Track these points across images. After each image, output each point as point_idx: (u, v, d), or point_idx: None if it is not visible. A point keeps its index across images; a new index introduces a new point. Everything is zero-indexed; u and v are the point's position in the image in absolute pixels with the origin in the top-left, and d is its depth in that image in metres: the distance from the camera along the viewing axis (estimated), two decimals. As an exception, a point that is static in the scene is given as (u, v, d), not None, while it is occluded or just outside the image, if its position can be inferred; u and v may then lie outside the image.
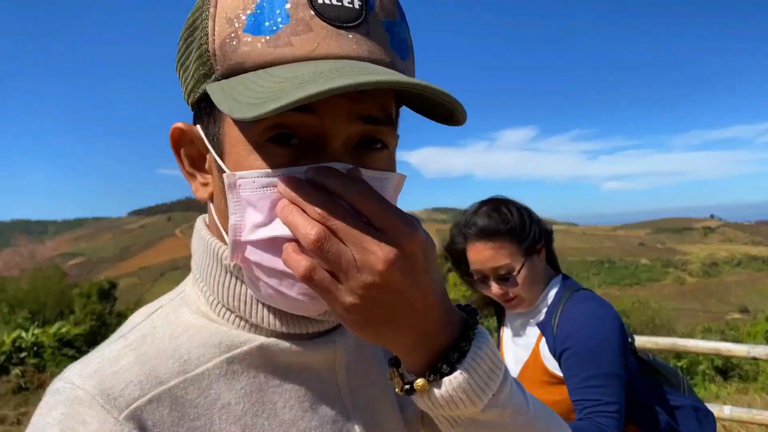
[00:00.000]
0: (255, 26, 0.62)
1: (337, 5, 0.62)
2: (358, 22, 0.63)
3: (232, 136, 0.65)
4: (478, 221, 1.92)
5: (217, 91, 0.63)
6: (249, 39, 0.62)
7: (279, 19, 0.61)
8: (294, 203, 0.59)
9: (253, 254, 0.65)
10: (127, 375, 0.65)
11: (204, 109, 0.70)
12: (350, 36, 0.62)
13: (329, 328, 0.76)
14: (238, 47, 0.62)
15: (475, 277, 1.96)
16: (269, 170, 0.62)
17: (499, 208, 1.93)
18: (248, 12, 0.62)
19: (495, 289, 1.92)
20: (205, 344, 0.70)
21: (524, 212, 1.94)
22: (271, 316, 0.72)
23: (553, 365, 1.87)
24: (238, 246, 0.66)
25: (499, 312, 2.21)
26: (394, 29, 0.67)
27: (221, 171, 0.67)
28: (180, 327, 0.72)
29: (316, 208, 0.57)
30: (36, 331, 12.99)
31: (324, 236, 0.56)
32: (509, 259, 1.88)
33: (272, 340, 0.72)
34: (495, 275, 1.91)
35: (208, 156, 0.72)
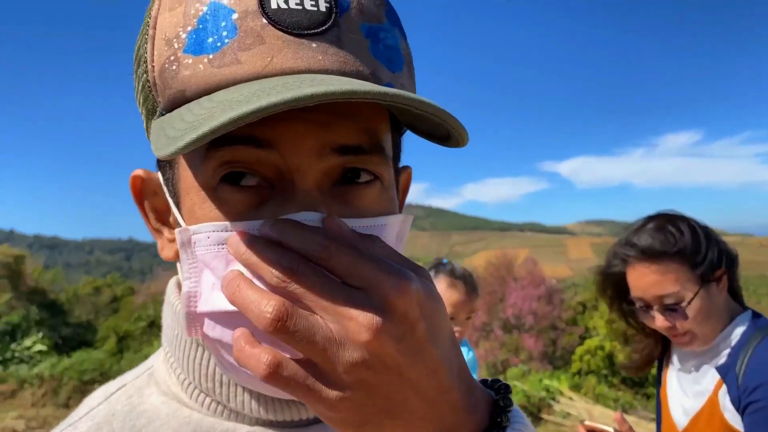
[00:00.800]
0: (196, 45, 0.51)
1: (296, 9, 0.51)
2: (324, 27, 0.51)
3: (187, 180, 0.55)
4: (641, 240, 1.64)
5: (155, 129, 0.53)
6: (189, 61, 0.51)
7: (224, 33, 0.50)
8: (245, 266, 0.48)
9: (212, 329, 0.54)
10: None
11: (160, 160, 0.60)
12: (314, 45, 0.51)
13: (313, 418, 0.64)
14: (178, 72, 0.52)
15: (637, 305, 1.68)
16: (225, 223, 0.51)
17: (667, 225, 1.64)
18: (189, 29, 0.52)
19: (659, 320, 1.63)
20: None
21: (700, 231, 1.63)
22: (253, 401, 0.60)
23: (736, 420, 1.56)
24: (193, 318, 0.55)
25: (663, 347, 1.88)
26: (379, 35, 0.55)
27: (179, 225, 0.57)
28: (144, 416, 0.61)
29: (272, 271, 0.45)
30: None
31: (286, 310, 0.43)
32: (678, 286, 1.58)
33: (254, 430, 0.61)
34: (660, 304, 1.62)
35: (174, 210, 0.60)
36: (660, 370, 1.91)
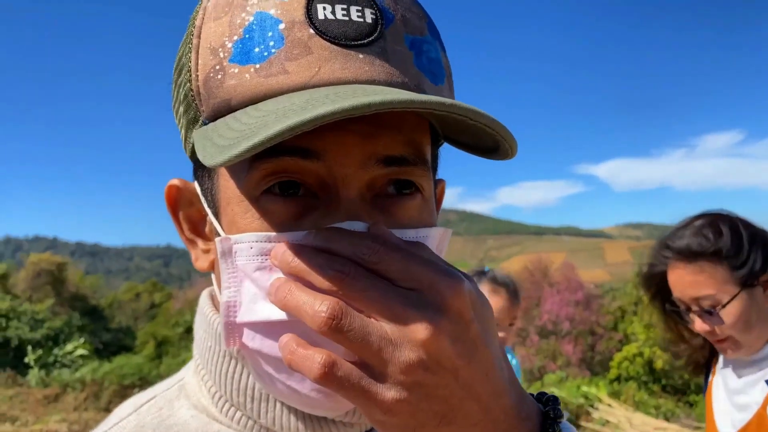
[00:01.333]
0: (243, 54, 0.51)
1: (343, 20, 0.51)
2: (371, 39, 0.51)
3: (228, 190, 0.55)
4: (679, 241, 1.58)
5: (199, 138, 0.52)
6: (236, 70, 0.51)
7: (271, 43, 0.51)
8: (293, 274, 0.47)
9: (252, 340, 0.53)
10: None
11: (198, 162, 0.59)
12: (360, 56, 0.51)
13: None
14: (223, 81, 0.52)
15: (680, 308, 1.63)
16: (269, 233, 0.51)
17: (707, 225, 1.57)
18: (235, 38, 0.52)
19: (698, 324, 1.58)
20: None
21: (744, 232, 1.54)
22: (284, 417, 0.59)
23: None
24: (232, 329, 0.54)
25: (711, 352, 1.79)
26: (422, 47, 0.55)
27: (218, 234, 0.56)
28: (173, 429, 0.60)
29: (323, 276, 0.45)
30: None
31: (340, 309, 0.43)
32: (713, 288, 1.52)
33: None
34: (697, 307, 1.56)
35: (208, 218, 0.60)
36: (707, 376, 1.84)
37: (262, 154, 0.50)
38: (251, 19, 0.52)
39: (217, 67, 0.52)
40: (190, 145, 0.58)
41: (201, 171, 0.60)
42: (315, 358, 0.43)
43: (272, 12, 0.52)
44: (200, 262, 0.63)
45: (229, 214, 0.55)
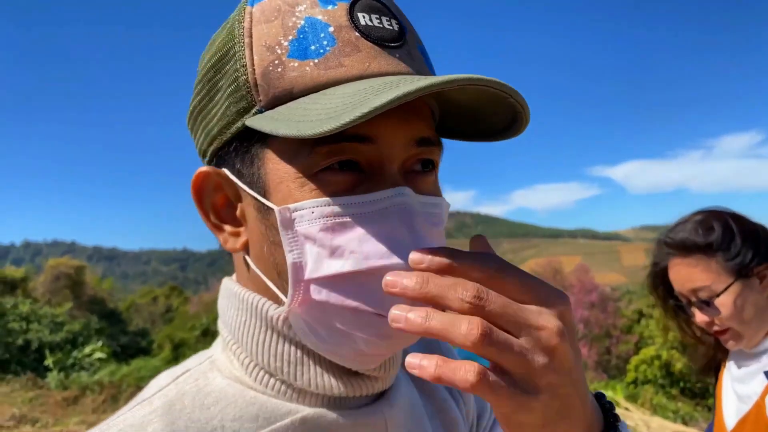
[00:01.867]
0: (300, 51, 0.60)
1: (378, 26, 0.62)
2: (400, 42, 0.63)
3: (279, 171, 0.62)
4: (676, 234, 1.65)
5: (267, 121, 0.59)
6: (295, 64, 0.60)
7: (325, 42, 0.60)
8: (428, 300, 0.51)
9: (318, 293, 0.61)
10: None
11: (236, 151, 0.65)
12: (396, 55, 0.62)
13: (376, 396, 0.71)
14: (284, 74, 0.60)
15: (682, 303, 1.68)
16: (328, 198, 0.59)
17: (700, 220, 1.63)
18: (290, 38, 0.61)
19: (698, 316, 1.62)
20: (240, 417, 0.64)
21: (735, 225, 1.60)
22: (319, 377, 0.66)
23: None
24: (299, 286, 0.61)
25: (722, 351, 1.81)
26: (425, 53, 0.68)
27: (265, 212, 0.63)
28: (211, 395, 0.66)
29: (460, 300, 0.50)
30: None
31: (487, 326, 0.48)
32: (708, 279, 1.57)
33: (316, 411, 0.66)
34: (696, 299, 1.61)
35: (240, 204, 0.67)
36: (717, 371, 1.88)
37: (324, 140, 0.59)
38: (302, 22, 0.62)
39: (276, 62, 0.61)
40: (228, 135, 0.65)
41: (240, 159, 0.65)
42: (468, 368, 0.48)
43: (320, 18, 0.62)
44: (230, 244, 0.69)
45: (283, 191, 0.62)
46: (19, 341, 16.49)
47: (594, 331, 16.16)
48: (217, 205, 0.70)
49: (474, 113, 0.67)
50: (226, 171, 0.67)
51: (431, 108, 0.67)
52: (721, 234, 1.60)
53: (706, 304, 1.60)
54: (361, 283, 0.60)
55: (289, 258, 0.61)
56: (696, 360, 1.91)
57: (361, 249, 0.59)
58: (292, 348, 0.66)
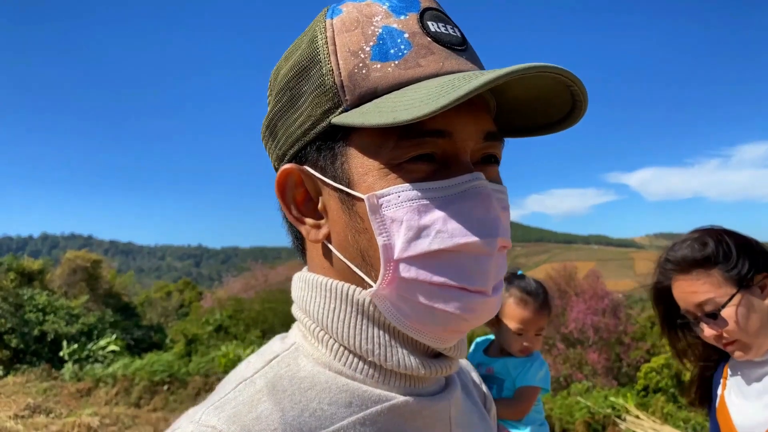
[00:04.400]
0: (381, 54, 0.68)
1: (445, 33, 0.71)
2: (465, 46, 0.72)
3: (363, 164, 0.68)
4: (676, 253, 1.69)
5: (356, 116, 0.66)
6: (378, 66, 0.67)
7: (402, 47, 0.68)
8: None
9: (407, 271, 0.66)
10: (269, 422, 0.65)
11: (320, 150, 0.71)
12: (463, 56, 0.71)
13: (441, 387, 0.78)
14: (369, 74, 0.67)
15: (690, 320, 1.69)
16: (409, 184, 0.66)
17: (697, 237, 1.68)
18: (371, 44, 0.68)
19: (706, 330, 1.63)
20: (336, 403, 0.69)
21: (728, 239, 1.65)
22: (405, 359, 0.71)
23: None
24: (389, 266, 0.67)
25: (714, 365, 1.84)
26: (479, 59, 0.75)
27: (350, 202, 0.69)
28: (306, 380, 0.70)
29: None
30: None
31: None
32: (712, 292, 1.60)
33: (403, 400, 0.71)
34: (702, 313, 1.63)
35: (321, 198, 0.74)
36: (710, 389, 1.87)
37: (408, 135, 0.66)
38: (380, 30, 0.70)
39: (360, 65, 0.69)
40: (311, 136, 0.72)
41: (324, 156, 0.72)
42: None
43: (395, 26, 0.70)
44: (312, 235, 0.76)
45: (368, 181, 0.69)
46: (35, 332, 16.70)
47: (604, 337, 15.99)
48: (298, 200, 0.77)
49: (529, 107, 0.75)
50: (308, 168, 0.74)
51: (491, 106, 0.75)
52: (715, 247, 1.64)
53: (713, 318, 1.62)
54: (447, 259, 0.67)
55: (380, 240, 0.67)
56: (689, 393, 1.93)
57: (446, 228, 0.66)
58: (381, 331, 0.72)
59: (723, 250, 1.64)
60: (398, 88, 0.68)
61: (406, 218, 0.66)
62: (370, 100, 0.68)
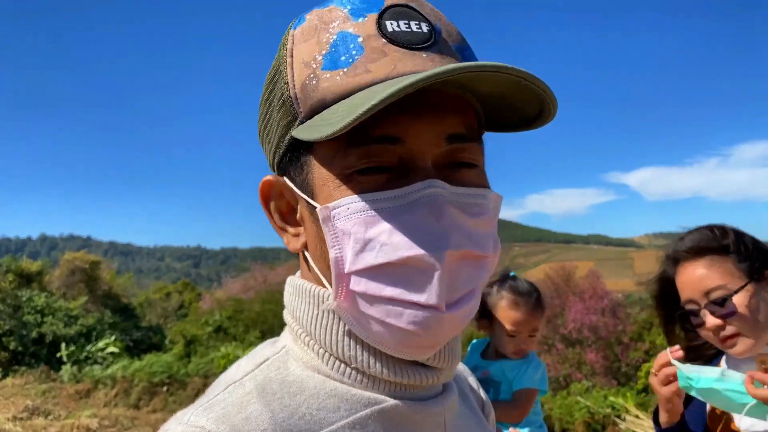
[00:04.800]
0: (332, 63, 0.65)
1: (406, 31, 0.65)
2: (429, 43, 0.66)
3: (321, 175, 0.67)
4: (688, 241, 1.67)
5: (303, 130, 0.66)
6: (327, 75, 0.65)
7: (354, 52, 0.64)
8: None
9: (357, 284, 0.65)
10: (259, 422, 0.64)
11: (291, 161, 0.71)
12: (424, 55, 0.65)
13: (436, 393, 0.76)
14: (318, 85, 0.65)
15: (687, 310, 1.65)
16: (361, 195, 0.64)
17: (712, 227, 1.68)
18: (324, 52, 0.66)
19: (709, 320, 1.58)
20: (324, 408, 0.68)
21: (747, 236, 1.67)
22: (389, 367, 0.70)
23: None
24: (341, 279, 0.66)
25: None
26: (464, 53, 0.70)
27: (314, 212, 0.68)
28: (294, 384, 0.70)
29: None
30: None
31: None
32: (723, 279, 1.58)
33: (393, 404, 0.70)
34: (707, 301, 1.59)
35: (299, 207, 0.73)
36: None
37: (355, 143, 0.64)
38: (335, 36, 0.67)
39: (311, 75, 0.66)
40: (283, 148, 0.71)
41: (294, 167, 0.72)
42: None
43: (351, 30, 0.66)
44: (292, 245, 0.76)
45: (325, 191, 0.67)
46: (34, 334, 16.71)
47: (604, 337, 15.98)
48: (282, 210, 0.77)
49: (504, 104, 0.71)
50: (285, 179, 0.74)
51: (471, 104, 0.70)
52: (735, 237, 1.64)
53: (719, 306, 1.57)
54: (394, 273, 0.64)
55: (332, 253, 0.66)
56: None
57: (390, 240, 0.64)
58: (360, 339, 0.70)
59: (740, 241, 1.63)
60: (347, 97, 0.64)
61: (353, 231, 0.65)
62: (320, 111, 0.66)
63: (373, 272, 0.65)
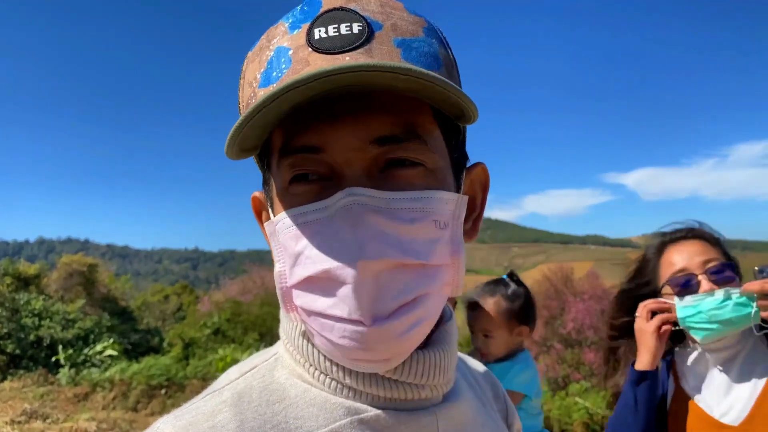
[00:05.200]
0: (266, 79, 0.65)
1: (333, 36, 0.63)
2: (357, 44, 0.62)
3: (274, 190, 0.69)
4: (682, 227, 1.87)
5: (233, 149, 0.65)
6: (262, 92, 0.65)
7: (283, 66, 0.64)
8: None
9: (297, 297, 0.66)
10: (224, 431, 0.64)
11: (263, 178, 0.74)
12: (347, 57, 0.62)
13: (432, 402, 0.72)
14: (252, 103, 0.64)
15: (676, 279, 1.76)
16: (294, 208, 0.64)
17: (701, 224, 1.88)
18: (261, 70, 0.66)
19: (704, 285, 1.71)
20: (303, 416, 0.68)
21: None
22: (366, 379, 0.69)
23: None
24: (286, 293, 0.66)
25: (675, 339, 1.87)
26: (412, 44, 0.66)
27: None
28: (276, 393, 0.70)
29: None
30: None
31: None
32: (718, 256, 1.75)
33: (373, 414, 0.68)
34: (704, 271, 1.72)
35: None
36: (669, 359, 1.91)
37: (283, 154, 0.66)
38: (272, 53, 0.67)
39: (252, 95, 0.68)
40: (259, 165, 0.74)
41: (265, 183, 0.74)
42: None
43: (285, 44, 0.66)
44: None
45: (276, 205, 0.69)
46: (32, 337, 16.61)
47: (603, 337, 15.90)
48: None
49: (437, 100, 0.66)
50: (264, 194, 0.76)
51: (416, 101, 0.65)
52: (724, 239, 1.86)
53: (716, 274, 1.72)
54: (319, 287, 0.64)
55: (276, 267, 0.68)
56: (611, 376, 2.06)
57: (311, 253, 0.63)
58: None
59: (725, 243, 1.84)
60: None
61: (287, 244, 0.66)
62: None
63: (304, 286, 0.65)
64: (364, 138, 0.64)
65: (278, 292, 0.68)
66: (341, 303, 0.62)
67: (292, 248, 0.65)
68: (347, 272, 0.61)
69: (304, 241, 0.64)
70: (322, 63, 0.62)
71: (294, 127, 0.65)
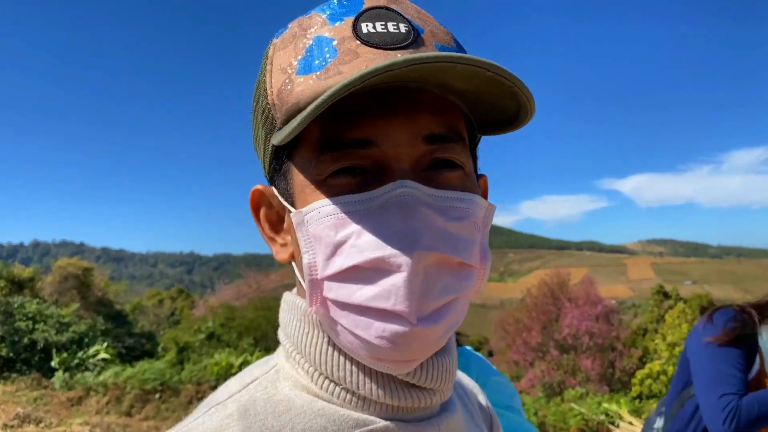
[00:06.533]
0: (306, 67, 0.64)
1: (382, 32, 0.64)
2: (406, 43, 0.63)
3: (299, 182, 0.67)
4: None
5: (278, 137, 0.65)
6: (301, 79, 0.64)
7: (327, 55, 0.63)
8: None
9: (329, 290, 0.64)
10: None
11: (276, 169, 0.71)
12: (399, 54, 0.62)
13: (433, 412, 0.73)
14: (292, 90, 0.64)
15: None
16: (332, 198, 0.63)
17: None
18: (299, 57, 0.65)
19: None
20: (310, 428, 0.67)
21: None
22: (380, 388, 0.68)
23: None
24: (315, 286, 0.64)
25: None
26: (449, 52, 0.66)
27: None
28: (281, 404, 0.68)
29: None
30: (259, 356, 12.86)
31: None
32: None
33: (382, 425, 0.68)
34: None
35: (286, 216, 0.72)
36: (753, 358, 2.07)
37: (328, 147, 0.64)
38: (311, 42, 0.66)
39: (287, 81, 0.66)
40: (269, 155, 0.71)
41: (278, 175, 0.71)
42: None
43: (327, 34, 0.65)
44: (280, 255, 0.74)
45: (302, 198, 0.66)
46: (25, 341, 16.56)
47: (599, 343, 16.02)
48: (271, 220, 0.76)
49: (485, 103, 0.68)
50: (272, 188, 0.73)
51: (456, 105, 0.68)
52: None
53: None
54: (363, 277, 0.61)
55: (305, 259, 0.64)
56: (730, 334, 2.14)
57: (358, 242, 0.61)
58: (350, 358, 0.68)
59: None
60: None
61: (324, 234, 0.63)
62: (296, 116, 0.63)
63: (342, 277, 0.62)
64: (415, 134, 0.64)
65: (305, 284, 0.65)
66: (387, 293, 0.60)
67: (330, 238, 0.63)
68: (402, 260, 0.60)
69: (349, 230, 0.62)
70: (375, 57, 0.62)
71: (338, 119, 0.63)
